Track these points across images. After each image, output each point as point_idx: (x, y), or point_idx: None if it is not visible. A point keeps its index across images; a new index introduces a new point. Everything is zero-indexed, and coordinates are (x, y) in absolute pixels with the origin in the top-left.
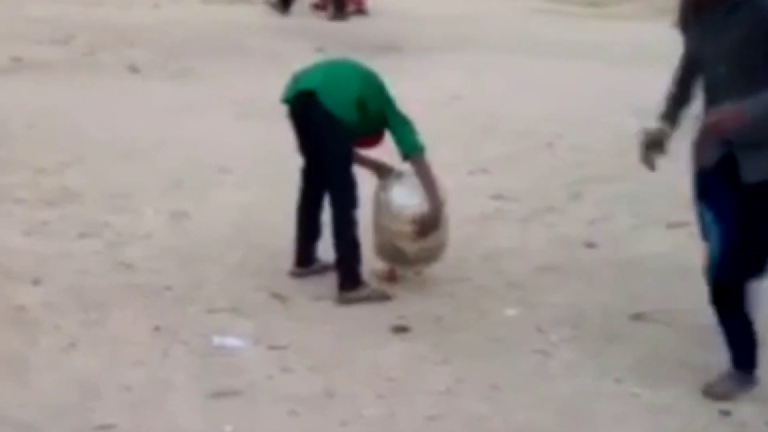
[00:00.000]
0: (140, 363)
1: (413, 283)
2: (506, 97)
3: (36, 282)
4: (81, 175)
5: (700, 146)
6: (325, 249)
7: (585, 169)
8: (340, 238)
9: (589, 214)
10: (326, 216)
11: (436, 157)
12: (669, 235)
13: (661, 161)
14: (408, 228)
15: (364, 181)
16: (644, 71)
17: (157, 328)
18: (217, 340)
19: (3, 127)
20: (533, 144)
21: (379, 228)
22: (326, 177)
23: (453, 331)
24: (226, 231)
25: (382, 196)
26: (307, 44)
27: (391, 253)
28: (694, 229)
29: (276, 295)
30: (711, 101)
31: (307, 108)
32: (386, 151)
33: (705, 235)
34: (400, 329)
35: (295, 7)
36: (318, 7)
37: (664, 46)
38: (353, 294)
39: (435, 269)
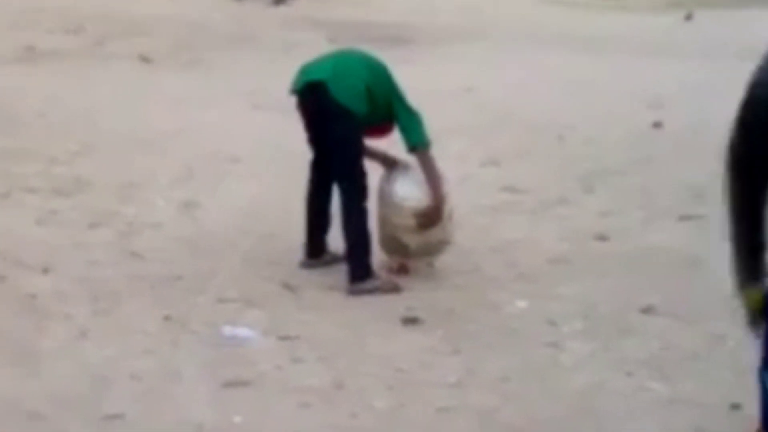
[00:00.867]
0: (150, 353)
1: (424, 274)
2: (518, 89)
3: (46, 271)
4: (92, 164)
5: None
6: (336, 240)
7: (597, 162)
8: (350, 229)
9: (601, 207)
10: (336, 207)
11: (447, 148)
12: (680, 227)
13: (673, 155)
14: (410, 221)
15: (371, 173)
16: (657, 63)
17: (167, 318)
18: (227, 330)
19: (15, 117)
20: (545, 136)
21: (382, 220)
22: (336, 168)
23: (464, 322)
24: (237, 221)
25: (386, 188)
26: (319, 35)
27: (393, 246)
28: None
29: (286, 286)
30: None
31: (316, 99)
32: (392, 142)
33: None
34: (411, 321)
35: None
36: None
37: (676, 38)
38: (363, 285)
39: (446, 261)
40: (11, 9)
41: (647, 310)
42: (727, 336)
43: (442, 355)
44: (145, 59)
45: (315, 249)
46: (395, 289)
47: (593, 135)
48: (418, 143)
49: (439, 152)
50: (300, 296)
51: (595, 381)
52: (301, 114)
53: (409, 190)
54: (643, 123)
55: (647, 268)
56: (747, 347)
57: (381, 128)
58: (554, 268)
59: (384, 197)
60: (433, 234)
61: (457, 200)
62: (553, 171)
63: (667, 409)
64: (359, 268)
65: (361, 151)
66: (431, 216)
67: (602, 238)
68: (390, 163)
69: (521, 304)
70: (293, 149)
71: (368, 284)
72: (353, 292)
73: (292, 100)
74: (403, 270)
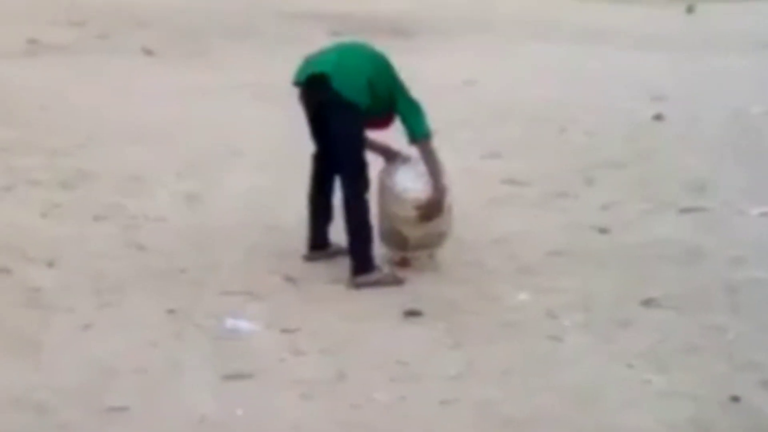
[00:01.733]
0: (153, 345)
1: (426, 267)
2: (520, 82)
3: (51, 264)
4: (96, 157)
5: None
6: (338, 232)
7: (598, 154)
8: (352, 222)
9: (602, 199)
10: (338, 199)
11: (449, 140)
12: (681, 219)
13: (674, 147)
14: (411, 212)
15: (372, 165)
16: (658, 56)
17: (170, 311)
18: (230, 322)
19: (18, 109)
20: (546, 129)
21: (382, 213)
22: (337, 160)
23: (465, 315)
24: (240, 214)
25: (387, 180)
26: (322, 27)
27: (394, 239)
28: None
29: (289, 279)
30: None
31: (319, 92)
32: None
33: None
34: (413, 313)
35: None
36: None
37: (678, 31)
38: (365, 278)
39: (447, 253)
40: (15, 2)
41: (647, 303)
42: (727, 328)
43: (443, 348)
44: (148, 52)
45: (318, 241)
46: (397, 281)
47: (594, 127)
48: (419, 134)
49: (440, 144)
50: (302, 289)
51: (595, 373)
52: (304, 106)
53: (410, 182)
54: (644, 115)
55: (647, 260)
56: (746, 340)
57: (383, 120)
58: (555, 260)
59: (385, 189)
60: (433, 226)
61: (458, 192)
62: (554, 163)
63: (666, 401)
64: (361, 261)
65: (362, 143)
66: (432, 207)
67: (603, 230)
68: (391, 156)
69: (522, 296)
70: (296, 142)
71: (370, 277)
72: (355, 284)
73: (295, 92)
74: (405, 263)
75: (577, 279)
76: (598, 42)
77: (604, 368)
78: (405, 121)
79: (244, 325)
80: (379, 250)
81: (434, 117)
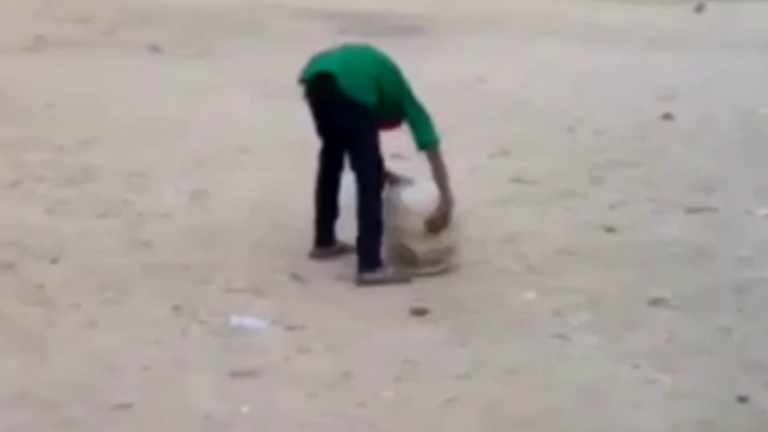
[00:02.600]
0: (159, 342)
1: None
2: (528, 81)
3: (56, 260)
4: (101, 154)
5: None
6: (344, 230)
7: (605, 154)
8: (365, 218)
9: (609, 199)
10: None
11: (457, 139)
12: (688, 219)
13: (683, 147)
14: (418, 225)
15: None
16: (666, 56)
17: (176, 308)
18: (235, 320)
19: (24, 106)
20: (554, 128)
21: (389, 229)
22: (351, 158)
23: (471, 314)
24: (246, 211)
25: (392, 196)
26: (330, 25)
27: (401, 255)
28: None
29: (295, 276)
30: None
31: (324, 90)
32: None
33: None
34: (419, 312)
35: None
36: None
37: (686, 30)
38: (372, 275)
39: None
40: None
41: (654, 303)
42: (734, 329)
43: (449, 347)
44: (154, 49)
45: (324, 239)
46: (404, 279)
47: (603, 127)
48: (427, 142)
49: (449, 142)
50: (308, 286)
51: (602, 373)
52: (309, 104)
53: (416, 196)
54: (653, 115)
55: (655, 260)
56: (754, 340)
57: (390, 122)
58: (562, 259)
59: (391, 205)
60: (441, 241)
61: (466, 191)
62: (562, 162)
63: (673, 401)
64: (369, 257)
65: (375, 139)
66: (439, 218)
67: (611, 229)
68: (393, 180)
69: (529, 295)
70: (303, 139)
71: (377, 274)
72: (362, 281)
73: (301, 90)
74: None
75: (585, 278)
76: (608, 41)
77: (611, 368)
78: (413, 128)
79: (249, 322)
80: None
81: (443, 115)
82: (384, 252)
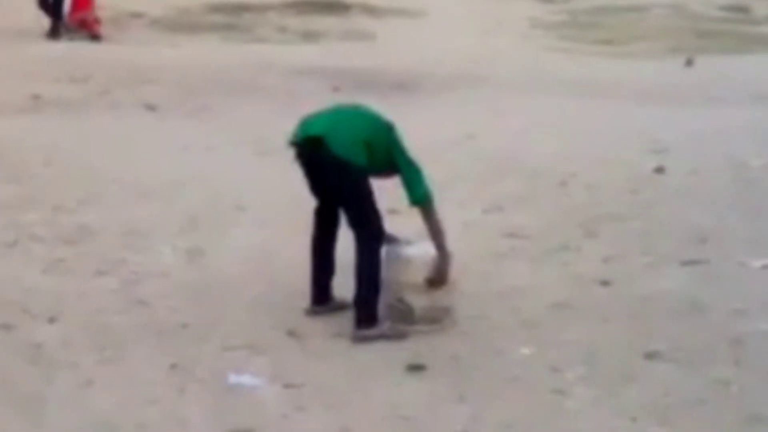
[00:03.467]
0: (156, 401)
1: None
2: (520, 136)
3: (53, 320)
4: (98, 212)
5: None
6: (340, 287)
7: (599, 208)
8: (363, 275)
9: (604, 252)
10: (341, 252)
11: (450, 195)
12: (683, 272)
13: (675, 200)
14: (418, 278)
15: None
16: (657, 109)
17: (173, 366)
18: (233, 377)
19: (21, 165)
20: (547, 182)
21: (387, 284)
22: (348, 217)
23: (469, 369)
24: (243, 269)
25: (392, 251)
26: (324, 83)
27: (397, 312)
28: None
29: (292, 333)
30: None
31: (315, 153)
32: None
33: None
34: (416, 367)
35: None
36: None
37: (677, 84)
38: (369, 331)
39: (450, 307)
40: (18, 58)
41: (651, 356)
42: (732, 381)
43: (447, 402)
44: (150, 107)
45: (321, 295)
46: (401, 335)
47: (595, 181)
48: (421, 199)
49: (441, 199)
50: (305, 344)
51: (600, 427)
52: (300, 165)
53: (417, 251)
54: (645, 168)
55: (650, 313)
56: (751, 393)
57: (384, 174)
58: (558, 313)
59: (389, 260)
60: (439, 299)
61: (460, 246)
62: (555, 217)
63: None
64: (367, 314)
65: (370, 196)
66: (440, 275)
67: (605, 283)
68: (392, 240)
69: (525, 350)
70: (298, 196)
71: (374, 330)
72: (359, 338)
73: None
74: None
75: (580, 332)
76: (598, 96)
77: (609, 422)
78: (406, 185)
79: (247, 380)
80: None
81: (435, 171)
82: (381, 308)
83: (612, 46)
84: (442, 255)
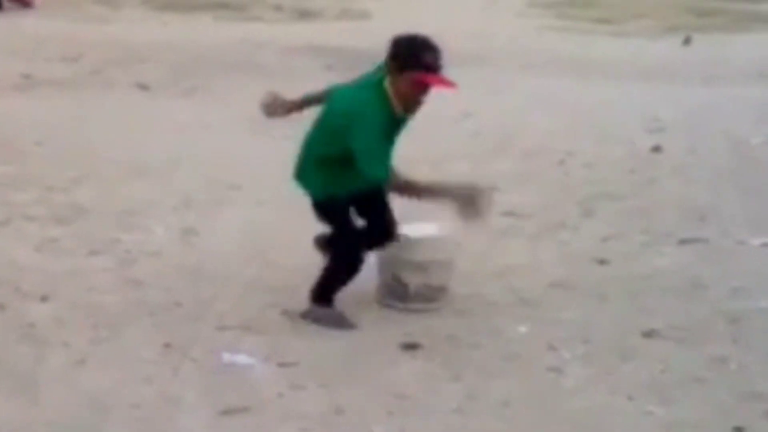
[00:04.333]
0: (150, 380)
1: (423, 299)
2: (518, 115)
3: (45, 299)
4: (91, 192)
5: None
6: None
7: (596, 186)
8: (339, 254)
9: (601, 231)
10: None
11: (447, 173)
12: (680, 251)
13: (673, 178)
14: (415, 255)
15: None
16: (655, 88)
17: (167, 345)
18: (227, 357)
19: (13, 145)
20: (545, 161)
21: (383, 263)
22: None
23: (464, 348)
24: (237, 248)
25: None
26: (318, 61)
27: (391, 288)
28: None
29: (286, 313)
30: None
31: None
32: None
33: None
34: (412, 346)
35: None
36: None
37: (675, 62)
38: (316, 311)
39: (446, 285)
40: (9, 37)
41: (649, 334)
42: (729, 359)
43: (442, 381)
44: (143, 87)
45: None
46: (347, 325)
47: (593, 159)
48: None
49: (439, 177)
50: (300, 323)
51: (597, 405)
52: None
53: (413, 229)
54: (643, 147)
55: (648, 291)
56: (749, 370)
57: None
58: (555, 292)
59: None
60: (435, 276)
61: (458, 225)
62: (553, 195)
63: None
64: (324, 292)
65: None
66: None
67: (603, 262)
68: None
69: (522, 328)
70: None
71: (318, 312)
72: (305, 317)
73: (292, 128)
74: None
75: (578, 311)
76: (596, 74)
77: (606, 400)
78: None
79: (241, 359)
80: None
81: (432, 150)
82: (374, 287)
83: (610, 24)
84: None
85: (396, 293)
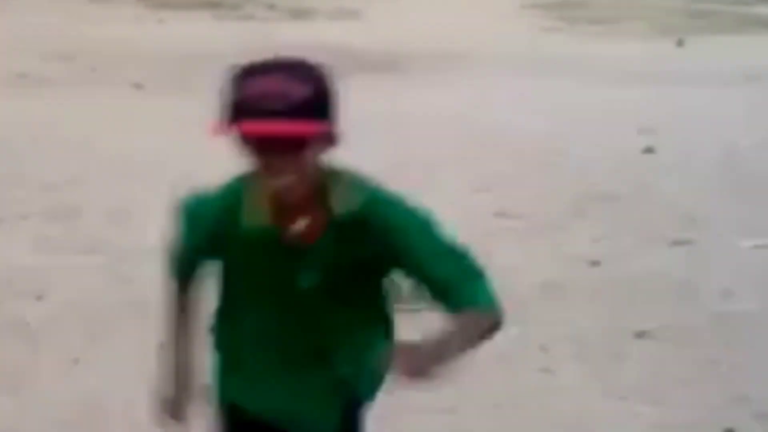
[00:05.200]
0: (144, 379)
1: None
2: (510, 115)
3: (39, 297)
4: (85, 191)
5: None
6: None
7: (588, 187)
8: None
9: (593, 232)
10: None
11: (439, 174)
12: (672, 252)
13: (665, 180)
14: None
15: None
16: (648, 89)
17: (161, 344)
18: None
19: (8, 143)
20: (537, 162)
21: None
22: None
23: None
24: None
25: None
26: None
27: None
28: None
29: None
30: None
31: None
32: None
33: None
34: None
35: None
36: None
37: (668, 64)
38: None
39: None
40: (4, 36)
41: (640, 335)
42: (721, 361)
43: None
44: (137, 86)
45: None
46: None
47: (585, 160)
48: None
49: (431, 178)
50: None
51: (589, 406)
52: None
53: None
54: (635, 148)
55: (640, 293)
56: (739, 372)
57: None
58: (547, 293)
59: None
60: None
61: (450, 226)
62: (545, 196)
63: None
64: None
65: None
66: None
67: (595, 263)
68: None
69: (514, 329)
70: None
71: None
72: None
73: None
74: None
75: (569, 312)
76: (588, 75)
77: (597, 401)
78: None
79: None
80: None
81: (424, 151)
82: None
83: (603, 25)
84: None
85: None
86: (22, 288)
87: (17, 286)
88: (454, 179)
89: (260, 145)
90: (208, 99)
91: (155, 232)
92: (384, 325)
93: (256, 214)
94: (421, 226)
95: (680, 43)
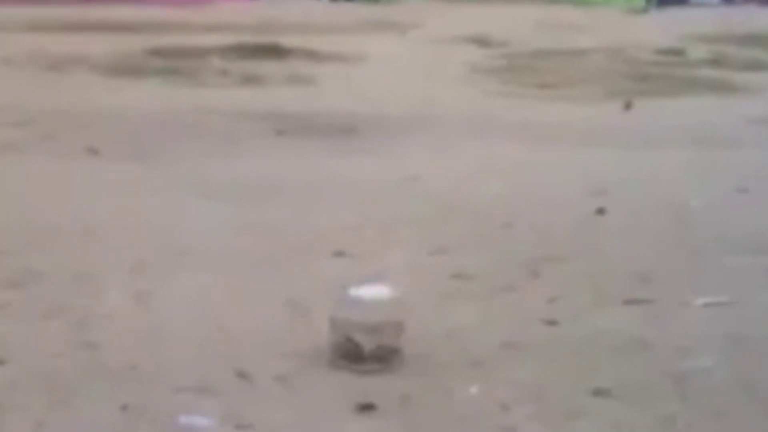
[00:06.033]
0: None
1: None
2: (464, 178)
3: (1, 363)
4: (44, 256)
5: None
6: None
7: (543, 249)
8: None
9: (549, 292)
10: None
11: (395, 237)
12: (627, 311)
13: (617, 240)
14: (370, 317)
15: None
16: (598, 152)
17: (123, 407)
18: (183, 418)
19: None
20: (492, 224)
21: (336, 322)
22: None
23: (419, 408)
24: (191, 311)
25: (344, 292)
26: (267, 126)
27: (345, 349)
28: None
29: (241, 374)
30: None
31: None
32: None
33: None
34: (367, 407)
35: None
36: None
37: (615, 127)
38: None
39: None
40: None
41: (598, 393)
42: (677, 417)
43: None
44: (93, 151)
45: None
46: None
47: (539, 222)
48: None
49: (387, 241)
50: (255, 384)
51: None
52: None
53: (367, 291)
54: (587, 210)
55: (596, 351)
56: (696, 428)
57: None
58: (505, 353)
59: (340, 301)
60: (388, 337)
61: (407, 288)
62: (500, 258)
63: None
64: None
65: None
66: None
67: (551, 322)
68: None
69: (474, 389)
70: (242, 240)
71: None
72: None
73: (242, 190)
74: None
75: (528, 371)
76: (539, 139)
77: None
78: None
79: (197, 420)
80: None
81: (380, 214)
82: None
83: (551, 89)
84: None
85: (349, 355)
86: None
87: None
88: (410, 242)
89: None
90: (164, 165)
91: (118, 296)
92: None
93: None
94: None
95: (628, 107)
